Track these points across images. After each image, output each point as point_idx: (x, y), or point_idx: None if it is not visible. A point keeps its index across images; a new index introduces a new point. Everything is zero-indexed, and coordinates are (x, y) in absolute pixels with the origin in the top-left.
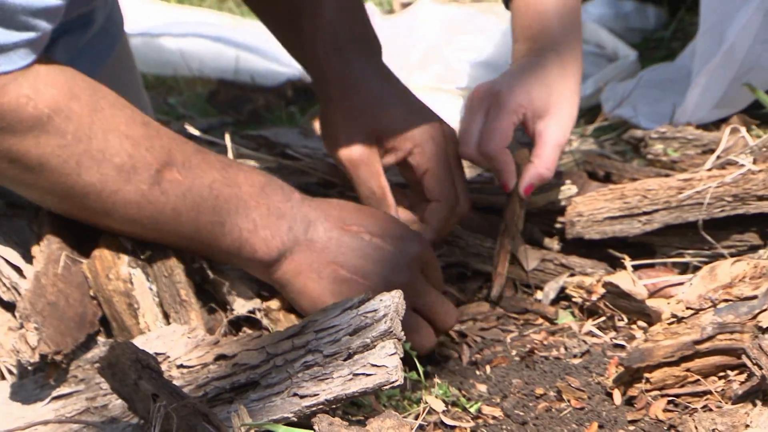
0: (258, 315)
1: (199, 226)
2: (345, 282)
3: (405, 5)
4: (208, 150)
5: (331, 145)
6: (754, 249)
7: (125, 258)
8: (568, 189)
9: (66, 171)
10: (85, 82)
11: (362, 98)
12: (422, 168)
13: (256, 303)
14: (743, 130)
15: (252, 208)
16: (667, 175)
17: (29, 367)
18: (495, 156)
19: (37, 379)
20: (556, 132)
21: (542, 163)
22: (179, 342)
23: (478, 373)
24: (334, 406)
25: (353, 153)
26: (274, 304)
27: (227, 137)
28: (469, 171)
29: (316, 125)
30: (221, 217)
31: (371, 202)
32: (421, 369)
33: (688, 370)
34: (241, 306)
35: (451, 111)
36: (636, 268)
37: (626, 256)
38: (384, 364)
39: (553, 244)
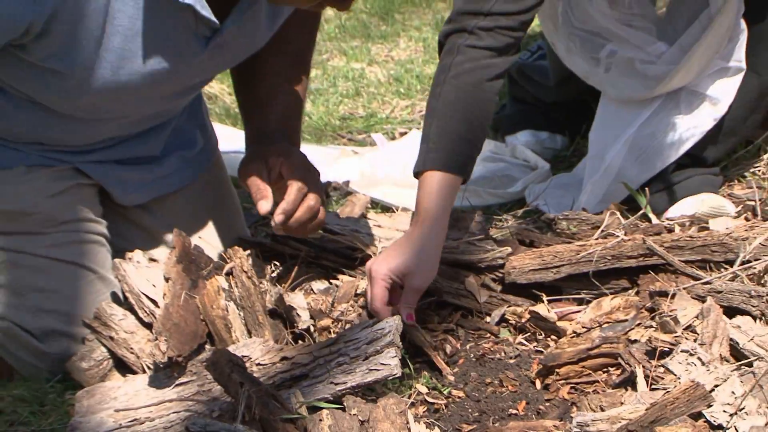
0: (312, 329)
1: None
2: None
3: (402, 134)
4: None
5: (240, 174)
6: (625, 290)
7: (223, 294)
8: (506, 251)
9: None
10: None
11: (265, 146)
12: (287, 173)
13: (310, 322)
14: (618, 213)
15: None
16: (569, 242)
17: (161, 365)
18: (378, 312)
19: (166, 373)
20: (417, 282)
21: (405, 303)
22: (257, 349)
23: (448, 369)
24: (357, 390)
25: (250, 170)
26: (322, 323)
27: None
28: None
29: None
30: None
31: (256, 194)
32: (411, 366)
33: (583, 367)
34: (302, 323)
35: None
36: (550, 302)
37: (543, 294)
38: (389, 363)
39: (497, 286)
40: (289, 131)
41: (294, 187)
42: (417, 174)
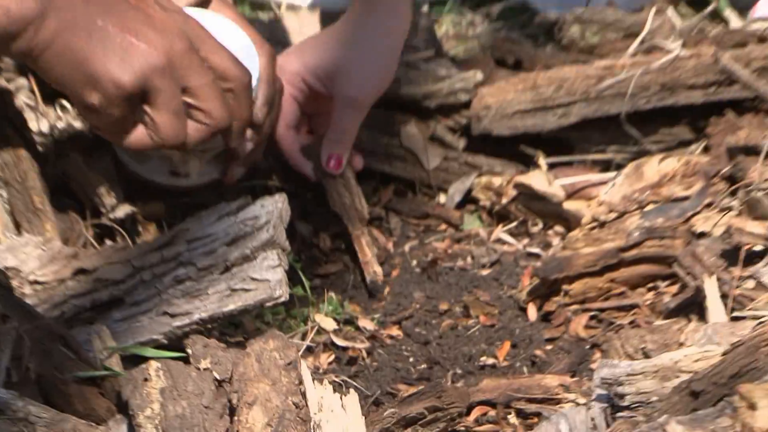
0: (132, 219)
1: None
2: (115, 41)
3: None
4: None
5: None
6: (684, 144)
7: None
8: (474, 78)
9: None
10: None
11: None
12: None
13: (126, 209)
14: (670, 10)
15: None
16: (584, 62)
17: None
18: (278, 142)
19: None
20: (353, 91)
21: (332, 133)
22: (32, 255)
23: (380, 272)
24: (209, 326)
25: None
26: (150, 208)
27: None
28: None
29: None
30: None
31: None
32: (307, 283)
33: (612, 281)
34: (117, 209)
35: None
36: (552, 166)
37: (540, 153)
38: (266, 277)
39: (458, 141)
40: None
41: None
42: None
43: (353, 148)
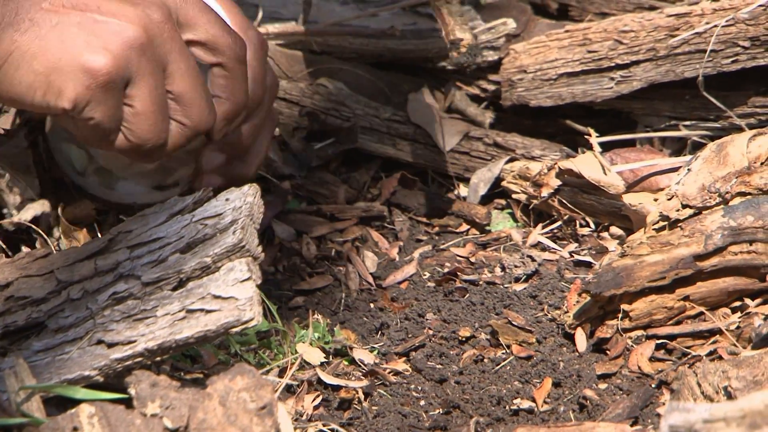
0: (50, 227)
1: None
2: (72, 23)
3: None
4: None
5: None
6: None
7: None
8: (505, 29)
9: None
10: None
11: None
12: None
13: (43, 206)
14: None
15: None
16: (651, 8)
17: None
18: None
19: None
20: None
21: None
22: None
23: (372, 306)
24: (158, 359)
25: None
26: (73, 211)
27: None
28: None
29: None
30: None
31: None
32: (287, 302)
33: (686, 298)
34: (22, 210)
35: None
36: (607, 147)
37: (592, 131)
38: (232, 294)
39: (484, 114)
40: None
41: None
42: None
43: None
